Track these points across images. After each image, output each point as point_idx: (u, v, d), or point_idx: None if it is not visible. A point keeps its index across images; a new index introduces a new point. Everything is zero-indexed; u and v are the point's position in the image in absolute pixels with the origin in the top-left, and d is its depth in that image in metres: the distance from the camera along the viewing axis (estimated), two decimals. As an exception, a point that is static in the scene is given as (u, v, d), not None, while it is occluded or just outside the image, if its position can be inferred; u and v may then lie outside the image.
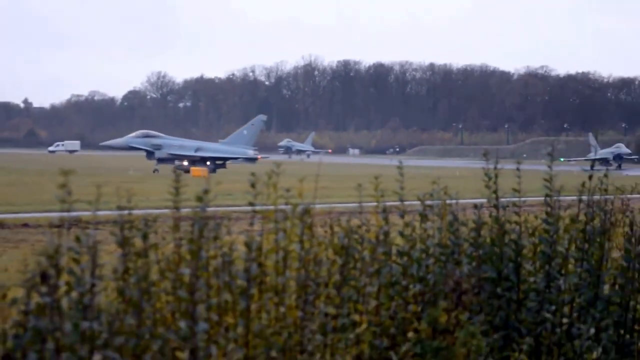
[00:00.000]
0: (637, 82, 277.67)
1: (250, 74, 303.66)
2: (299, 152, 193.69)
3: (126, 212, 5.86)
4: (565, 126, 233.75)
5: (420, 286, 7.37)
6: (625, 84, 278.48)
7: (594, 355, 7.86)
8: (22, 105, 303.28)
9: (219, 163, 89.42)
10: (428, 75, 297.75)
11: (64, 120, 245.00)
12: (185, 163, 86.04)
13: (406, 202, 7.75)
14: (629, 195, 11.15)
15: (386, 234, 7.53)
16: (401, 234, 7.67)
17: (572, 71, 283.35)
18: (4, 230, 28.49)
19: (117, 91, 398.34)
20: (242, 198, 6.07)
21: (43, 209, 34.59)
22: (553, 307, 7.90)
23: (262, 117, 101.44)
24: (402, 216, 7.72)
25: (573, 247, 8.47)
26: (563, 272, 8.16)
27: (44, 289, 4.90)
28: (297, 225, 6.78)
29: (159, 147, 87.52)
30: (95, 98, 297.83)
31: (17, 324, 4.92)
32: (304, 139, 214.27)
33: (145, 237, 5.96)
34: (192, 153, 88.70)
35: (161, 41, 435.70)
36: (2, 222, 30.80)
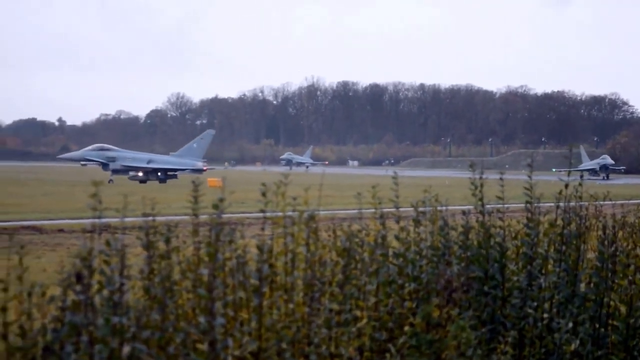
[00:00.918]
0: (606, 100, 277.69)
1: (260, 94, 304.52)
2: (299, 164, 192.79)
3: (150, 218, 5.86)
4: (543, 140, 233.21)
5: (415, 285, 7.34)
6: (596, 101, 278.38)
7: (572, 347, 7.83)
8: (56, 123, 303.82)
9: (169, 174, 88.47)
10: (419, 94, 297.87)
11: (94, 137, 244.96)
12: (140, 174, 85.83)
13: (401, 209, 7.74)
14: (602, 202, 11.14)
15: (384, 237, 7.51)
16: (397, 238, 7.64)
17: (549, 90, 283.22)
18: (42, 235, 28.57)
19: (141, 110, 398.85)
20: (254, 206, 6.08)
21: (76, 216, 34.72)
22: (535, 304, 7.87)
23: (211, 131, 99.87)
24: (397, 221, 7.69)
25: (552, 249, 8.43)
26: (543, 271, 8.12)
27: (78, 287, 4.90)
28: (303, 230, 6.76)
29: (113, 160, 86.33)
30: (122, 116, 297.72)
31: (55, 319, 4.92)
32: (309, 153, 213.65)
33: (167, 241, 5.95)
34: (145, 165, 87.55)
35: (180, 65, 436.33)
36: (41, 227, 30.93)
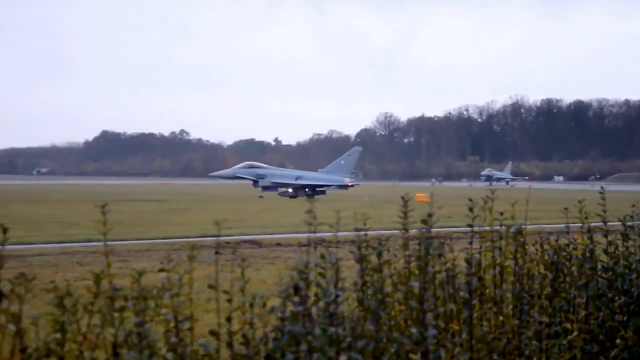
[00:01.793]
0: None
1: (465, 112, 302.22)
2: (499, 179, 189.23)
3: (362, 233, 5.88)
4: None
5: (625, 298, 7.09)
6: None
7: None
8: (273, 143, 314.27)
9: (318, 190, 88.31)
10: (624, 110, 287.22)
11: (308, 155, 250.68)
12: (291, 190, 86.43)
13: (609, 223, 7.51)
14: None
15: (591, 251, 7.30)
16: (605, 252, 7.43)
17: None
18: (262, 249, 29.28)
19: (351, 130, 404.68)
20: (461, 220, 6.02)
21: (293, 230, 35.63)
22: None
23: (358, 148, 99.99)
24: (605, 235, 7.47)
25: None
26: None
27: (296, 299, 4.97)
28: (511, 243, 6.65)
29: (262, 177, 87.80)
30: (333, 136, 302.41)
31: (275, 328, 5.01)
32: (508, 169, 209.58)
33: (379, 254, 5.96)
34: (293, 181, 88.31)
35: (388, 86, 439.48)
36: (260, 242, 31.83)
